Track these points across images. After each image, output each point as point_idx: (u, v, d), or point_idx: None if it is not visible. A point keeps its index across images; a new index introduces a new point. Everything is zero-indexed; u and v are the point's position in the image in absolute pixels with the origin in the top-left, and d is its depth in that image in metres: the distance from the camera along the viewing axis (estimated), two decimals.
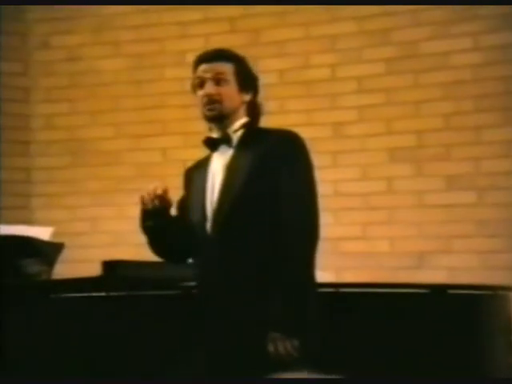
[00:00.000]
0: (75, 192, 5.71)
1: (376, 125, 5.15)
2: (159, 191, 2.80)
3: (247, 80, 2.78)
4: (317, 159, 5.15)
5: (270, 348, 2.56)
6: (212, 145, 2.82)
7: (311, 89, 5.27)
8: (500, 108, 4.89)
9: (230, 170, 2.73)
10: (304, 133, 5.18)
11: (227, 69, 2.76)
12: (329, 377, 2.91)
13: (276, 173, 2.67)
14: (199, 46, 5.46)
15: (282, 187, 2.65)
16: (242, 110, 2.78)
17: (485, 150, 4.92)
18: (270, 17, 5.37)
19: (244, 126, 2.79)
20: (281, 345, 2.56)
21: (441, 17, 5.03)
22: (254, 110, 2.80)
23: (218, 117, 2.76)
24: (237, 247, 2.64)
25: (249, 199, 2.65)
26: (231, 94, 2.75)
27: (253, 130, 2.79)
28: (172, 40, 5.56)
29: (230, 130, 2.78)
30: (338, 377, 3.02)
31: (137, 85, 5.67)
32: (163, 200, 2.81)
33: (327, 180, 5.20)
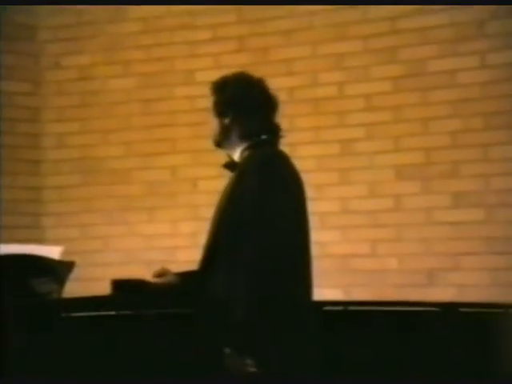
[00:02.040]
0: (86, 210, 5.75)
1: (384, 142, 5.16)
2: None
3: (221, 106, 2.98)
4: (325, 176, 5.25)
5: (225, 362, 2.68)
6: (228, 168, 3.01)
7: (319, 107, 5.30)
8: (508, 125, 4.89)
9: (219, 199, 2.93)
10: (312, 150, 5.28)
11: (212, 101, 3.03)
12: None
13: (242, 203, 2.79)
14: (208, 65, 5.51)
15: (243, 217, 2.77)
16: (233, 132, 2.95)
17: (493, 167, 4.92)
18: (278, 35, 5.40)
19: (244, 149, 2.93)
20: (232, 360, 2.67)
21: (448, 35, 5.04)
22: (229, 132, 2.96)
23: (216, 147, 3.01)
24: (215, 276, 2.82)
25: (222, 231, 2.84)
26: (216, 125, 2.99)
27: (244, 155, 2.93)
28: (181, 59, 5.61)
29: (232, 156, 2.98)
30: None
31: (147, 103, 5.71)
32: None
33: (335, 197, 5.23)
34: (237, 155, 2.94)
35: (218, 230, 2.87)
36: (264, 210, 2.73)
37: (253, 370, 2.66)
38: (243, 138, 2.92)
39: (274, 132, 2.95)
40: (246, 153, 2.91)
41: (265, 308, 2.69)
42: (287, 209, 2.78)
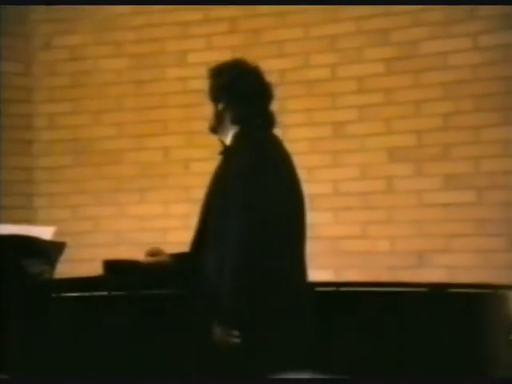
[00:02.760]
0: (77, 191, 5.74)
1: (376, 124, 5.17)
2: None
3: (216, 92, 3.01)
4: (317, 159, 5.25)
5: (214, 334, 2.76)
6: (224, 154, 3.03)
7: (311, 88, 5.29)
8: (499, 108, 4.89)
9: (209, 182, 2.98)
10: (304, 132, 5.29)
11: (207, 87, 3.05)
12: (329, 377, 2.96)
13: (229, 185, 2.84)
14: (200, 46, 5.50)
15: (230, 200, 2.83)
16: (227, 118, 2.98)
17: (484, 149, 4.93)
18: (270, 17, 5.38)
19: (235, 133, 2.96)
20: (219, 333, 2.76)
21: (440, 17, 5.04)
22: (222, 117, 3.00)
23: (211, 132, 3.05)
24: (205, 259, 2.88)
25: (211, 213, 2.90)
26: (211, 111, 3.02)
27: (232, 142, 2.96)
28: (173, 40, 5.58)
29: (225, 141, 3.01)
30: (338, 377, 3.07)
31: (138, 85, 5.69)
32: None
33: (327, 179, 5.23)
34: (228, 140, 2.96)
35: (207, 213, 2.89)
36: (250, 192, 2.76)
37: (237, 340, 2.73)
38: (236, 123, 2.96)
39: (267, 118, 2.97)
40: (236, 136, 2.93)
41: (249, 291, 2.73)
42: (275, 191, 2.80)
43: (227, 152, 2.93)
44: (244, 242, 2.73)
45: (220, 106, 2.98)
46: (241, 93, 2.96)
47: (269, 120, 2.98)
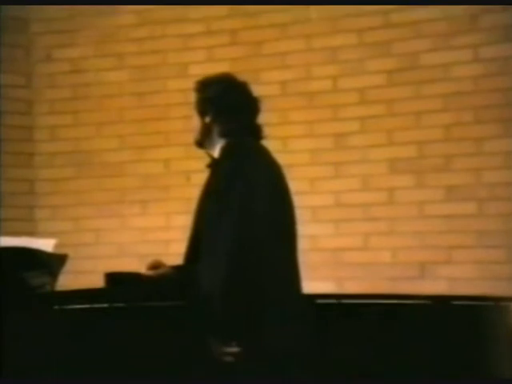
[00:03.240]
0: (79, 203, 5.74)
1: (377, 136, 5.18)
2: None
3: (203, 104, 3.03)
4: (318, 170, 5.26)
5: (211, 349, 2.77)
6: (211, 167, 3.03)
7: (313, 100, 5.30)
8: (500, 119, 4.91)
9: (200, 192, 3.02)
10: (306, 144, 5.30)
11: (194, 100, 3.07)
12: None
13: (215, 194, 2.88)
14: (201, 58, 5.51)
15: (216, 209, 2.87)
16: (214, 131, 3.00)
17: (485, 160, 4.94)
18: (271, 29, 5.40)
19: (221, 148, 2.98)
20: (215, 347, 2.75)
21: (441, 29, 5.06)
22: (209, 131, 3.01)
23: (197, 146, 3.06)
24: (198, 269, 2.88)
25: (204, 223, 2.92)
26: (196, 123, 3.04)
27: (220, 155, 2.97)
28: (175, 52, 5.60)
29: (213, 154, 3.02)
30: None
31: (140, 96, 5.70)
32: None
33: (328, 191, 5.24)
34: (216, 153, 2.98)
35: (199, 223, 2.93)
36: (239, 202, 2.77)
37: (234, 350, 2.74)
38: (223, 136, 2.98)
39: (254, 131, 2.99)
40: (224, 149, 2.95)
41: (236, 299, 2.74)
42: (265, 201, 2.82)
43: (215, 165, 2.94)
44: (234, 253, 2.73)
45: (207, 119, 3.00)
46: (227, 106, 2.99)
47: (256, 133, 3.00)
